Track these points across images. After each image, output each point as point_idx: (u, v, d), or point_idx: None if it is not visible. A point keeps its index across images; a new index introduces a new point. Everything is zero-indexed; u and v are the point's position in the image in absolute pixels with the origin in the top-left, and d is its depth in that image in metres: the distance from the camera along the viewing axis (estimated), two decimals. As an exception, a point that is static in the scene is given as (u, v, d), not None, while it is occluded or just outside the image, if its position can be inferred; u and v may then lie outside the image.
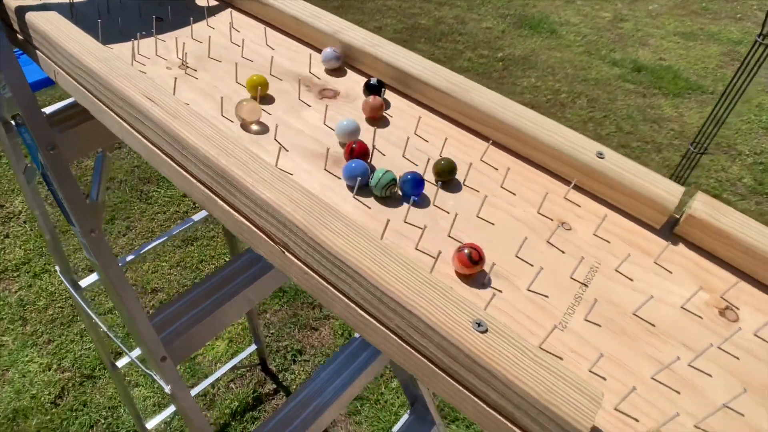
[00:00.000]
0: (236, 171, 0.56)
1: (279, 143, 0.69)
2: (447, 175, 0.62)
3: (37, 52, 0.86)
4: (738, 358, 0.51)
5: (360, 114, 0.74)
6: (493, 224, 0.59)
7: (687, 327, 0.52)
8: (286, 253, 0.53)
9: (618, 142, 3.60)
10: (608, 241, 0.58)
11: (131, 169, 2.99)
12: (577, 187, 0.62)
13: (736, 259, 0.56)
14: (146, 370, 1.11)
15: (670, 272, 0.56)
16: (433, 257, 0.54)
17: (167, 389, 1.03)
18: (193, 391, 1.96)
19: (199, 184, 0.62)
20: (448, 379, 0.44)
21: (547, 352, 0.47)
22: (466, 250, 0.51)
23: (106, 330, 1.21)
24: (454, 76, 0.72)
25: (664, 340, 0.51)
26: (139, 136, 0.69)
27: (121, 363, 1.55)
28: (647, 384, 0.47)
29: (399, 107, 0.76)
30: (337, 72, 0.83)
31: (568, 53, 4.51)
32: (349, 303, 0.50)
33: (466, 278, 0.53)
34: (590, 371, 0.46)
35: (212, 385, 2.15)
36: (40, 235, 2.59)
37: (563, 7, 5.25)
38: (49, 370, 2.14)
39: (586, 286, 0.54)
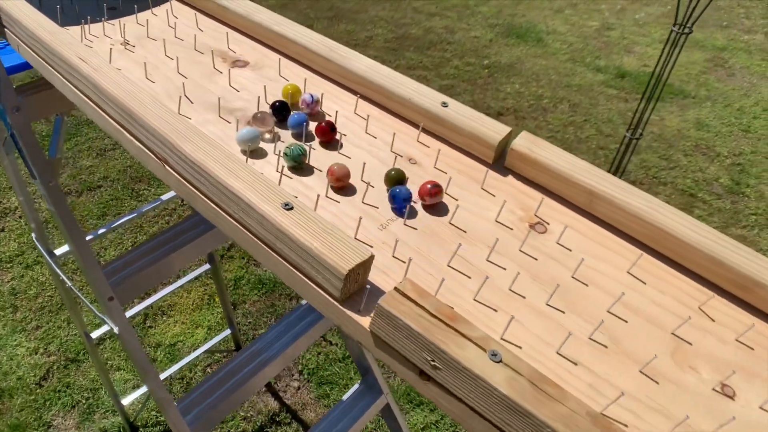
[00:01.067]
0: (134, 106, 0.68)
1: (186, 97, 0.81)
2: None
3: (6, 30, 1.00)
4: (536, 259, 0.61)
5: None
6: (350, 158, 0.70)
7: (496, 234, 0.62)
8: (166, 166, 0.65)
9: (597, 144, 3.70)
10: (445, 172, 0.69)
11: (124, 168, 3.14)
12: (426, 131, 0.73)
13: (550, 183, 0.67)
14: (99, 315, 1.22)
15: (494, 195, 0.67)
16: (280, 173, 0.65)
17: (115, 329, 1.14)
18: (168, 372, 2.06)
19: (110, 119, 0.74)
20: (265, 247, 0.55)
21: (361, 241, 0.58)
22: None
23: (76, 292, 1.33)
24: (337, 45, 0.84)
25: (472, 243, 0.61)
26: (76, 90, 0.82)
27: (95, 334, 1.66)
28: (444, 271, 0.57)
29: (292, 71, 0.88)
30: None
31: (553, 61, 4.63)
32: (204, 198, 0.61)
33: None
34: (393, 256, 0.57)
35: (190, 369, 2.26)
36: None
37: (551, 17, 5.38)
38: (36, 353, 2.26)
39: (416, 203, 0.65)
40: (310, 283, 0.52)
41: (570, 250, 0.61)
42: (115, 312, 1.14)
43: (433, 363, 0.45)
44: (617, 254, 0.61)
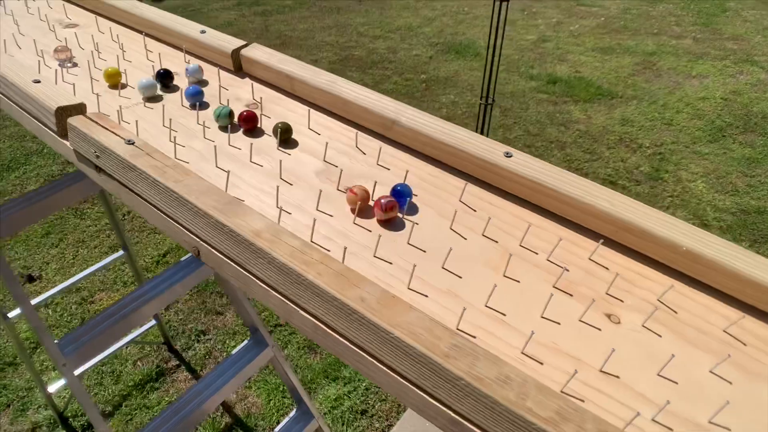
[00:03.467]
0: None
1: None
2: (285, 134, 0.76)
3: None
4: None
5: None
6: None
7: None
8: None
9: (524, 143, 3.91)
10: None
11: (68, 191, 3.29)
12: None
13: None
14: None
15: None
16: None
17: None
18: (90, 363, 2.17)
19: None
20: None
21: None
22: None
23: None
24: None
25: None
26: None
27: (12, 314, 1.78)
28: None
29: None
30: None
31: (490, 72, 4.88)
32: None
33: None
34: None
35: (120, 363, 2.37)
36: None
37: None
38: (-27, 358, 2.37)
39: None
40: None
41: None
42: (68, 373, 1.28)
43: (96, 155, 0.62)
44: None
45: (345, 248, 0.58)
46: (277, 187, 0.66)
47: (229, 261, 0.58)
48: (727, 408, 0.44)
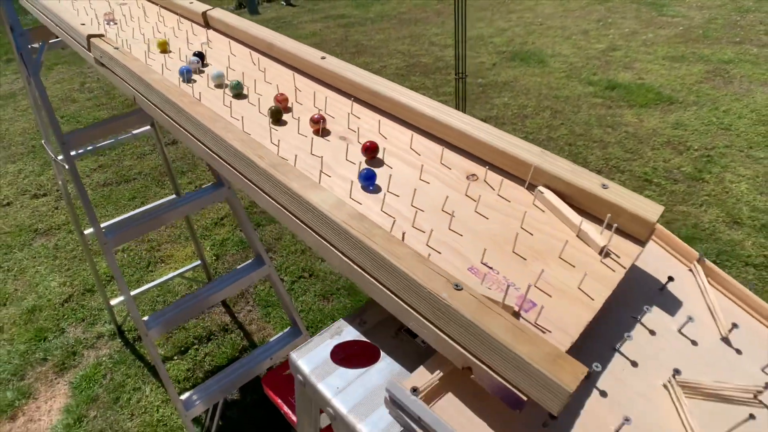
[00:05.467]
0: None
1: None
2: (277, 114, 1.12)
3: None
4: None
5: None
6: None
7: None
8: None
9: (565, 141, 4.03)
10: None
11: (155, 166, 3.93)
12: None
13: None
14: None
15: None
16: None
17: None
18: (145, 287, 2.68)
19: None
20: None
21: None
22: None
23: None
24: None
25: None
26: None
27: (87, 231, 2.30)
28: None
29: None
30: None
31: (549, 78, 5.02)
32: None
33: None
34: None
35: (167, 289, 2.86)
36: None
37: (560, 43, 5.79)
38: (64, 285, 2.97)
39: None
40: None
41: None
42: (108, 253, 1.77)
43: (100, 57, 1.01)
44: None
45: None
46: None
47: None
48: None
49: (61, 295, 2.91)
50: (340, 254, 0.64)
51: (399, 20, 6.70)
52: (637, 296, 0.72)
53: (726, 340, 0.70)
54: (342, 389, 0.61)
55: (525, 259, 0.66)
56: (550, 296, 0.61)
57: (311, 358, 0.66)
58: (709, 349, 0.68)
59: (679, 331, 0.69)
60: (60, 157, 1.98)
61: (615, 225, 0.66)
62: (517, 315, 0.58)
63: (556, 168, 0.73)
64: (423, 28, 6.41)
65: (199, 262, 2.81)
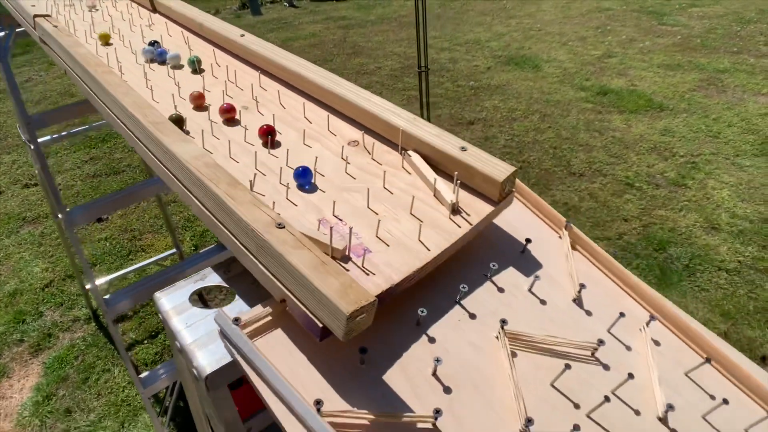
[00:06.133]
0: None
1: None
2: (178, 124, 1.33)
3: None
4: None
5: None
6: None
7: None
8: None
9: (551, 144, 4.05)
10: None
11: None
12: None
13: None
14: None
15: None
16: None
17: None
18: (122, 271, 2.73)
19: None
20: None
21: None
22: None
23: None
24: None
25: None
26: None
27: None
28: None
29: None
30: None
31: (542, 82, 5.04)
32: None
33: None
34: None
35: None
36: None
37: (556, 49, 5.82)
38: (46, 271, 3.04)
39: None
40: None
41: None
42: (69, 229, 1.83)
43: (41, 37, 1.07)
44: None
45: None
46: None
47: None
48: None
49: (42, 280, 2.98)
50: (197, 201, 0.68)
51: (399, 23, 6.77)
52: (497, 257, 0.75)
53: (578, 301, 0.73)
54: (191, 324, 0.65)
55: (377, 214, 0.69)
56: (389, 245, 0.65)
57: (173, 298, 0.70)
58: (557, 308, 0.71)
59: (530, 290, 0.72)
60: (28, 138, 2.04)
61: (458, 181, 0.70)
62: (347, 258, 0.61)
63: (422, 132, 0.76)
64: (422, 32, 6.45)
65: (174, 250, 2.87)
